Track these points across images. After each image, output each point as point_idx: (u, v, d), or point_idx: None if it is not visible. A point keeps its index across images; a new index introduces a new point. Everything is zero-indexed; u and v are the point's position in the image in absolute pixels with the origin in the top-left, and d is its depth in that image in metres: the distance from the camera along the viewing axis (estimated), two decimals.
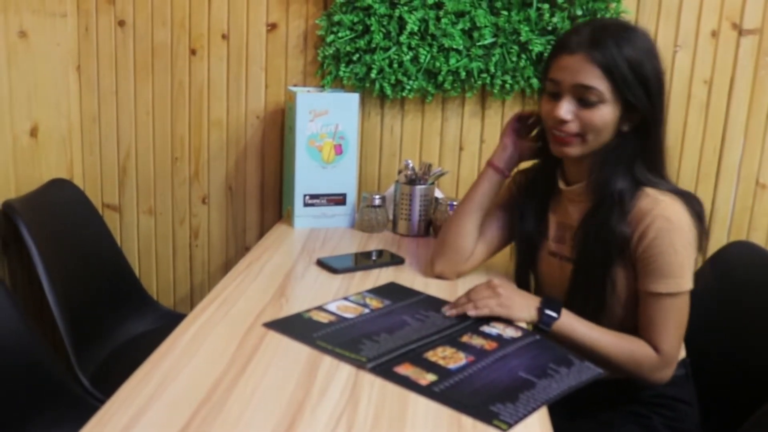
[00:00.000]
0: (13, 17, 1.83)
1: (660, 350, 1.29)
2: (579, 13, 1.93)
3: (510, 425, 0.97)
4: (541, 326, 1.28)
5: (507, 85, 2.02)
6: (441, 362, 1.14)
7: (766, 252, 1.60)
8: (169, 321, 2.00)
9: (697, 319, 1.35)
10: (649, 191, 1.31)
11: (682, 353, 1.41)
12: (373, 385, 1.07)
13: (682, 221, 1.28)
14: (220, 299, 1.39)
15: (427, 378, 1.09)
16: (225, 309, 1.34)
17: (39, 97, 1.98)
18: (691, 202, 1.31)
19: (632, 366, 1.30)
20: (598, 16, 1.93)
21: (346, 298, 1.42)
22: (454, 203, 1.94)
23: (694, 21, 1.99)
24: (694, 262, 1.30)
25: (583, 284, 1.37)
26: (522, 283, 1.56)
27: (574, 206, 1.42)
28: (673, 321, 1.30)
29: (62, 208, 2.00)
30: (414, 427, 0.97)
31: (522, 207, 1.52)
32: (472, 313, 1.29)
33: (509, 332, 1.26)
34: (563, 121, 1.31)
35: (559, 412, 1.12)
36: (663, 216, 1.27)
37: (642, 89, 1.28)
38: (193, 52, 2.13)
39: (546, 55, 1.96)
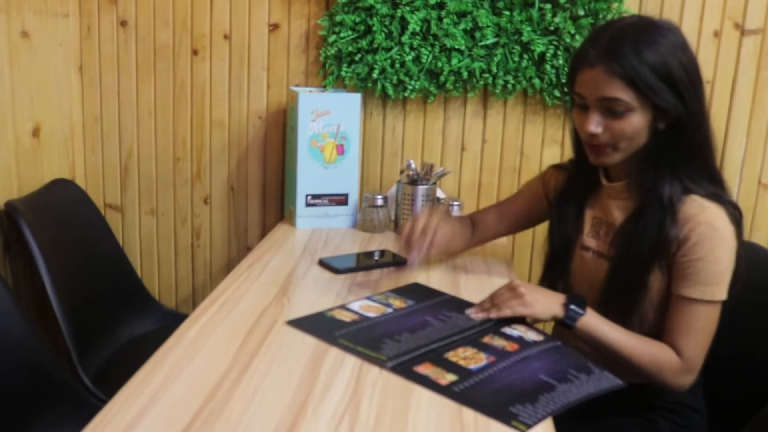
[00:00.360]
0: (15, 17, 1.83)
1: (683, 355, 1.27)
2: (581, 13, 1.94)
3: (529, 426, 0.97)
4: (567, 321, 1.27)
5: (509, 85, 2.02)
6: (462, 362, 1.14)
7: None
8: (171, 321, 2.01)
9: None
10: (695, 197, 1.28)
11: (699, 366, 1.39)
12: (375, 384, 1.07)
13: (726, 230, 1.25)
14: (222, 299, 1.39)
15: (447, 378, 1.09)
16: (227, 309, 1.34)
17: (41, 98, 1.98)
18: (732, 210, 1.29)
19: (653, 369, 1.28)
20: (600, 16, 1.94)
21: (369, 298, 1.43)
22: (456, 203, 1.95)
23: (696, 21, 1.99)
24: (731, 273, 1.27)
25: (620, 284, 1.35)
26: (552, 280, 1.54)
27: (614, 203, 1.40)
28: (701, 328, 1.27)
29: (64, 208, 2.00)
30: (416, 426, 0.97)
31: (560, 206, 1.50)
32: (494, 315, 1.29)
33: (531, 335, 1.25)
34: (594, 134, 1.30)
35: (564, 414, 1.11)
36: (708, 222, 1.25)
37: (670, 91, 1.24)
38: (195, 52, 2.13)
39: (549, 56, 1.96)
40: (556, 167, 1.60)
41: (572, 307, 1.27)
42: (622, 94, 1.24)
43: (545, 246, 1.55)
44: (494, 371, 1.12)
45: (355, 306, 1.38)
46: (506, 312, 1.28)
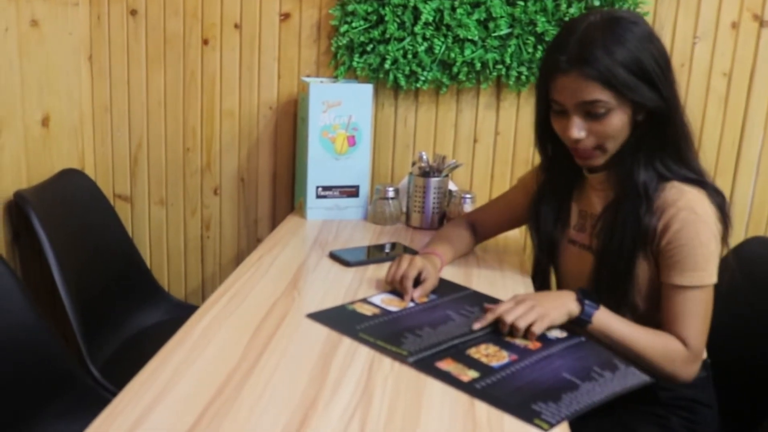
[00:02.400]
0: (24, 6, 1.82)
1: (688, 344, 1.27)
2: (596, 3, 1.91)
3: (551, 425, 0.95)
4: (583, 318, 1.25)
5: (522, 77, 2.00)
6: (483, 359, 1.13)
7: None
8: (180, 312, 2.00)
9: (715, 318, 1.32)
10: (675, 183, 1.29)
11: (704, 354, 1.39)
12: (387, 379, 1.06)
13: (708, 213, 1.26)
14: (232, 291, 1.37)
15: (469, 375, 1.08)
16: (237, 302, 1.33)
17: (50, 87, 1.97)
18: (714, 195, 1.29)
19: (665, 362, 1.27)
20: (616, 6, 1.91)
21: (392, 292, 1.41)
22: (468, 196, 1.92)
23: (714, 12, 1.96)
24: (718, 256, 1.27)
25: (606, 277, 1.34)
26: (541, 275, 1.55)
27: (596, 194, 1.41)
28: (699, 314, 1.28)
29: (74, 198, 1.99)
30: (428, 422, 0.95)
31: (541, 203, 1.50)
32: (518, 338, 1.23)
33: (554, 332, 1.24)
34: (578, 140, 1.30)
35: None
36: (689, 207, 1.25)
37: (646, 86, 1.25)
38: (205, 41, 2.12)
39: None
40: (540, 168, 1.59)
41: (587, 302, 1.26)
42: (601, 95, 1.24)
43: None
44: (516, 369, 1.10)
45: (377, 299, 1.37)
46: (523, 324, 1.22)
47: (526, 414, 0.97)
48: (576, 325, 1.26)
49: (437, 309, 1.33)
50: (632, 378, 1.11)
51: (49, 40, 1.95)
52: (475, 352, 1.15)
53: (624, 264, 1.32)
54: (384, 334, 1.20)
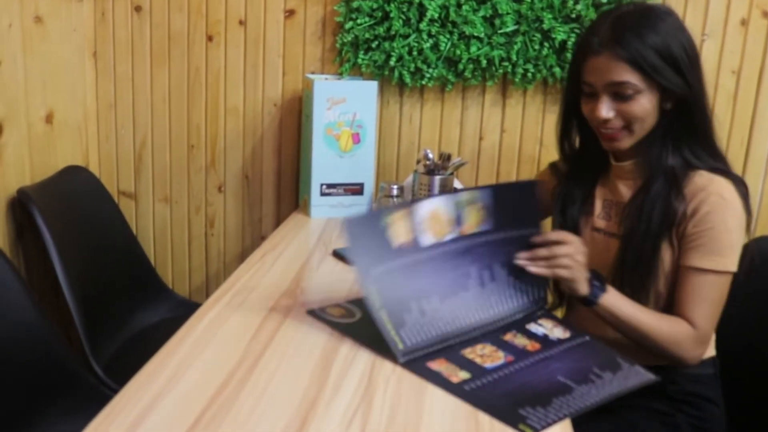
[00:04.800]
0: (29, 2, 1.81)
1: (696, 325, 1.28)
2: (603, 0, 1.89)
3: (536, 430, 0.94)
4: (590, 298, 1.25)
5: (529, 74, 1.98)
6: (478, 360, 1.12)
7: None
8: (184, 310, 1.99)
9: (723, 316, 1.31)
10: (702, 172, 1.31)
11: (712, 351, 1.38)
12: (388, 380, 1.05)
13: (735, 201, 1.28)
14: (235, 289, 1.37)
15: (460, 376, 1.06)
16: (240, 299, 1.32)
17: (54, 84, 1.97)
18: (739, 185, 1.31)
19: (672, 344, 1.28)
20: (624, 2, 1.89)
21: (451, 195, 1.21)
22: None
23: (722, 9, 1.94)
24: (741, 246, 1.29)
25: (632, 260, 1.34)
26: None
27: (623, 183, 1.41)
28: (713, 299, 1.28)
29: (77, 195, 1.99)
30: (430, 425, 0.94)
31: (567, 191, 1.49)
32: (533, 269, 1.24)
33: (557, 332, 1.22)
34: (606, 120, 1.32)
35: None
36: (718, 193, 1.27)
37: (673, 70, 1.28)
38: (209, 38, 2.11)
39: (570, 44, 1.92)
40: (552, 166, 1.60)
41: (596, 283, 1.27)
42: (630, 77, 1.27)
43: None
44: (510, 371, 1.09)
45: (425, 211, 1.18)
46: (546, 272, 1.24)
47: (511, 418, 0.96)
48: (583, 305, 1.27)
49: (467, 256, 1.21)
50: (635, 377, 1.10)
51: (52, 37, 1.94)
52: (470, 352, 1.14)
53: (650, 247, 1.32)
54: (393, 298, 1.12)
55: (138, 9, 2.11)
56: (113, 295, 1.95)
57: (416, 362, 1.10)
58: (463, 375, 1.07)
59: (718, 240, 1.27)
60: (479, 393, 1.02)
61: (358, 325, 1.23)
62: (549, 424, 0.95)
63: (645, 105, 1.30)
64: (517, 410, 0.98)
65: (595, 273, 1.29)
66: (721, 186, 1.29)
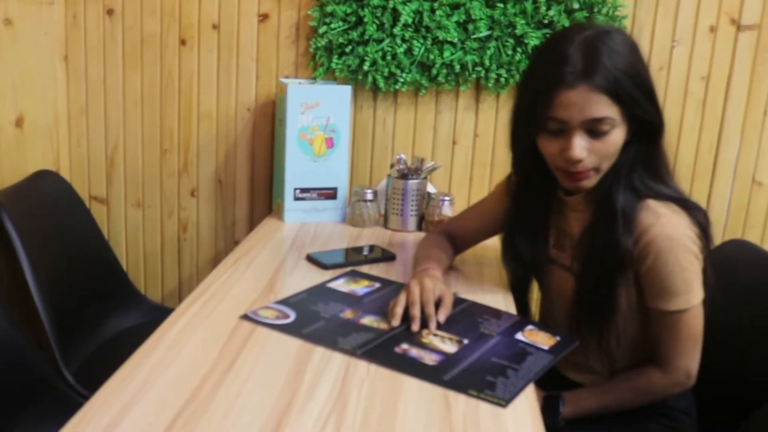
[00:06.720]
0: None
1: (668, 366, 1.28)
2: (576, 6, 1.91)
3: (507, 402, 1.02)
4: (554, 424, 1.27)
5: (502, 79, 2.00)
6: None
7: (762, 251, 1.57)
8: (156, 315, 1.98)
9: None
10: (651, 203, 1.24)
11: (694, 371, 1.35)
12: (362, 384, 1.05)
13: (683, 236, 1.22)
14: (208, 294, 1.36)
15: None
16: (213, 304, 1.31)
17: (25, 87, 1.94)
18: (695, 213, 1.25)
19: (645, 396, 1.32)
20: (595, 10, 1.92)
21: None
22: (447, 198, 1.92)
23: (692, 16, 1.97)
24: (700, 272, 1.25)
25: (588, 301, 1.31)
26: (519, 290, 1.50)
27: (573, 214, 1.36)
28: (688, 335, 1.27)
29: (48, 200, 1.97)
30: (404, 426, 0.94)
31: (515, 232, 1.44)
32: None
33: (448, 345, 1.20)
34: (580, 160, 1.21)
35: (551, 416, 1.10)
36: (664, 234, 1.21)
37: (644, 98, 1.21)
38: (183, 42, 2.10)
39: None
40: (509, 181, 1.52)
41: (548, 413, 1.27)
42: (609, 110, 1.18)
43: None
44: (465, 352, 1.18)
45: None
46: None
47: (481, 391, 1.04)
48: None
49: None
50: (543, 358, 1.18)
51: (23, 40, 1.92)
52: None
53: (605, 288, 1.29)
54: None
55: (110, 12, 2.09)
56: (84, 300, 1.93)
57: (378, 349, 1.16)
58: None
59: (674, 282, 1.22)
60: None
61: (297, 325, 1.24)
62: (515, 395, 1.04)
63: (617, 141, 1.21)
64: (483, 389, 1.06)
65: (547, 398, 1.30)
66: (667, 223, 1.22)
